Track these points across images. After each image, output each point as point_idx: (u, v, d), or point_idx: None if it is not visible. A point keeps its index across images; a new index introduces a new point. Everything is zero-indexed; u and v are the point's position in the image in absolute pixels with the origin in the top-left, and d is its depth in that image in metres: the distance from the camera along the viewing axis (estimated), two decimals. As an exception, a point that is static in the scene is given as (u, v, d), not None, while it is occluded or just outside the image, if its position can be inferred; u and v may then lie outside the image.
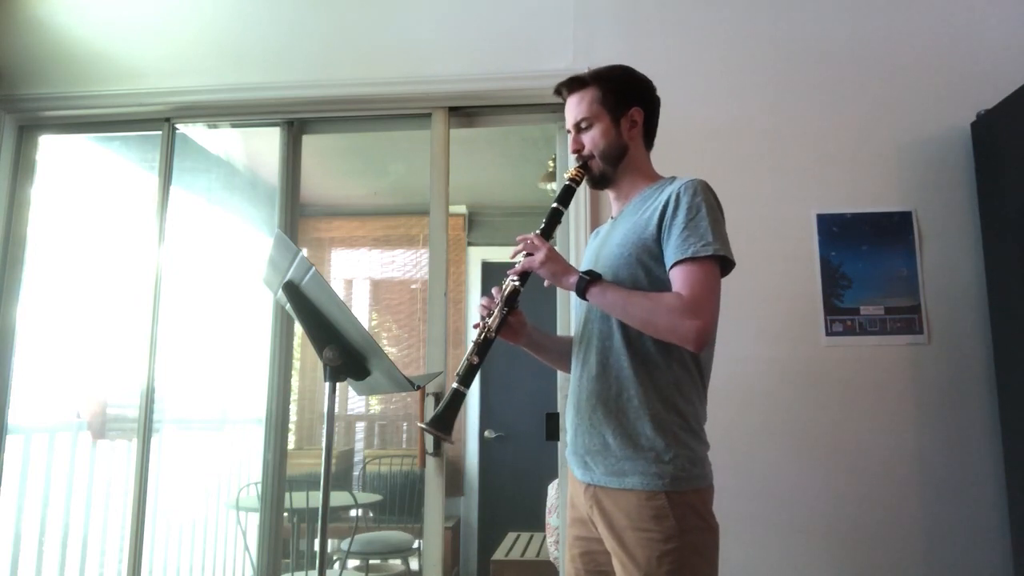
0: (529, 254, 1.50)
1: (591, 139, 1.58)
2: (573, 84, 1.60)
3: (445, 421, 1.43)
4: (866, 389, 2.21)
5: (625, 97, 1.58)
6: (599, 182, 1.61)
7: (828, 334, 2.24)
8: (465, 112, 2.56)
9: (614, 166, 1.58)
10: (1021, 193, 2.01)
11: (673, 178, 1.55)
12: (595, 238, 1.71)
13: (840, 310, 2.25)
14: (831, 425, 2.20)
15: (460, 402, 1.44)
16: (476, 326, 1.53)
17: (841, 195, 2.30)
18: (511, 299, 1.52)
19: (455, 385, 1.45)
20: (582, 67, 2.40)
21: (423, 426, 1.45)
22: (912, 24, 2.37)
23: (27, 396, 2.70)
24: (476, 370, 1.48)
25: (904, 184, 2.29)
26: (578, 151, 1.60)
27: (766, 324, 2.25)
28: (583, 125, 1.59)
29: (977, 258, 2.22)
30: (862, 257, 2.27)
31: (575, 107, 1.60)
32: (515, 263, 1.53)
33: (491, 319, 1.51)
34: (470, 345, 1.50)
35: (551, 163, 3.80)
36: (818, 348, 2.24)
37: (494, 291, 1.55)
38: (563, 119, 2.44)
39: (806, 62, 2.39)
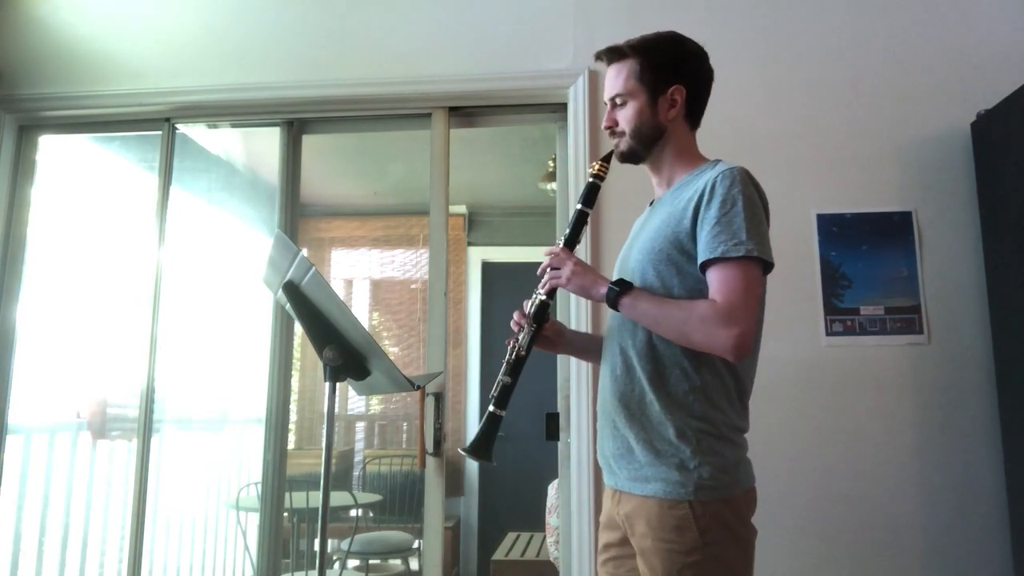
0: (556, 268, 1.43)
1: (625, 117, 1.47)
2: (612, 54, 1.49)
3: (484, 446, 1.41)
4: (866, 389, 2.20)
5: (666, 73, 1.45)
6: (628, 158, 1.50)
7: (828, 334, 2.24)
8: (465, 112, 2.56)
9: (648, 148, 1.47)
10: (1021, 193, 2.01)
11: (716, 162, 1.44)
12: (638, 221, 1.61)
13: (840, 310, 2.25)
14: (831, 425, 2.20)
15: (498, 426, 1.42)
16: (507, 343, 1.48)
17: (841, 195, 2.30)
18: (539, 314, 1.47)
19: (491, 408, 1.42)
20: (582, 67, 2.43)
21: (463, 452, 1.43)
22: (912, 24, 2.37)
23: (27, 396, 2.69)
24: (511, 390, 1.43)
25: (904, 184, 2.29)
26: (611, 128, 1.50)
27: (766, 324, 2.22)
28: (618, 101, 1.48)
29: (977, 258, 2.22)
30: (862, 257, 2.27)
31: (612, 80, 1.49)
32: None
33: (521, 336, 1.46)
34: (503, 365, 1.45)
35: (551, 163, 3.80)
36: (818, 348, 2.24)
37: (526, 304, 1.49)
38: (563, 119, 2.49)
39: (806, 62, 2.38)
